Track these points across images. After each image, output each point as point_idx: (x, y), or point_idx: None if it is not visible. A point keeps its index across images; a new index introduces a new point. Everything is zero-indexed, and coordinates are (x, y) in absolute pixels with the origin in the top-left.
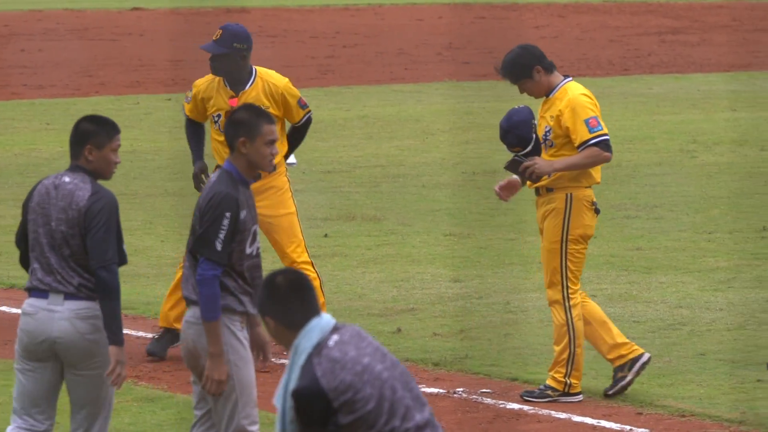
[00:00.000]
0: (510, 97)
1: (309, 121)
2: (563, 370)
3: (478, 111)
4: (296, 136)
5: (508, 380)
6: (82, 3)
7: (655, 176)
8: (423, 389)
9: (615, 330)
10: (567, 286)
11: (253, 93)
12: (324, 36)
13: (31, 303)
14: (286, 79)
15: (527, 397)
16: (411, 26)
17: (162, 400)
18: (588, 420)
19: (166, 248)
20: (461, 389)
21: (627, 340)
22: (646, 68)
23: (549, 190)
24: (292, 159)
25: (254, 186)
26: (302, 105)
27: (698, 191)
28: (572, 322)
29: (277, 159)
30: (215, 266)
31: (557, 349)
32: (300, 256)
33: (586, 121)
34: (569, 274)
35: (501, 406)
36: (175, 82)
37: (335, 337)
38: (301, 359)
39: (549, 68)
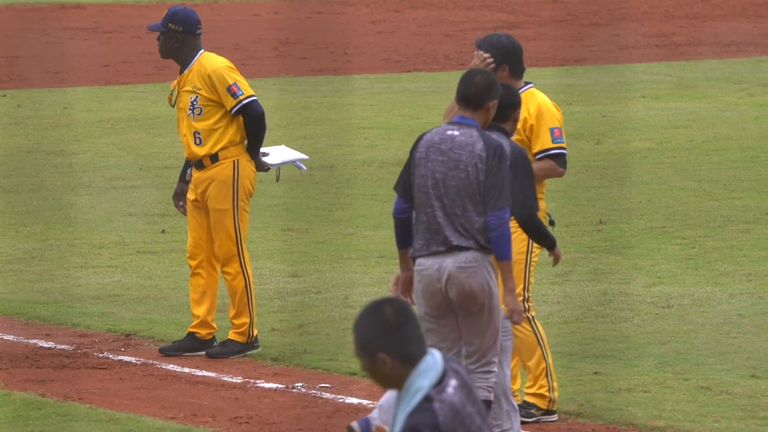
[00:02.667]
0: (348, 92)
1: (248, 111)
2: (546, 384)
3: (315, 106)
4: (246, 130)
5: (347, 375)
6: None
7: None
8: (262, 385)
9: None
10: (527, 298)
11: (189, 76)
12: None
13: None
14: (221, 65)
15: None
16: (247, 22)
17: None
18: None
19: (2, 245)
20: (300, 384)
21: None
22: None
23: None
24: (279, 158)
25: (197, 176)
26: (232, 93)
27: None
28: (539, 332)
29: (217, 148)
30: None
31: (531, 364)
32: (225, 255)
33: (552, 130)
34: (530, 287)
35: (340, 400)
36: (10, 79)
37: (453, 383)
38: (417, 398)
39: (517, 73)
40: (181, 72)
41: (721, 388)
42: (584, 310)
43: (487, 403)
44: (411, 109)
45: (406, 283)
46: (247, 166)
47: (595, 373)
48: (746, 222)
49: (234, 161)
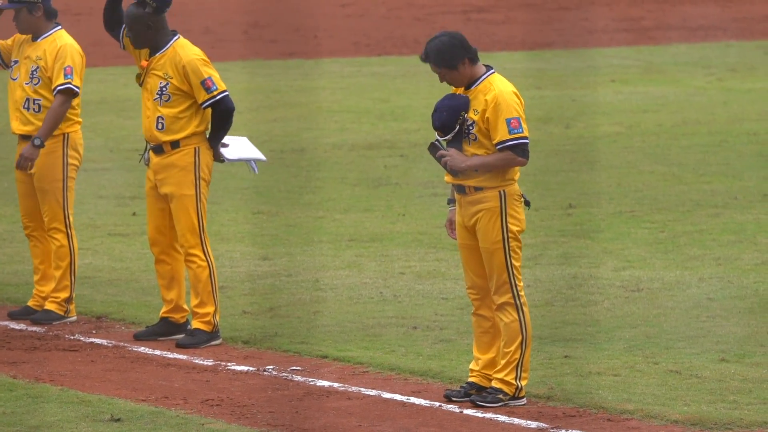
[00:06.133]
0: (318, 75)
1: (219, 106)
2: (514, 373)
3: (285, 89)
4: (213, 122)
5: (318, 357)
6: None
7: None
8: (233, 367)
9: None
10: (515, 285)
11: (162, 60)
12: None
13: None
14: (198, 57)
15: (480, 402)
16: (217, 4)
17: None
18: (397, 397)
19: None
20: (271, 367)
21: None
22: None
23: (478, 189)
24: (236, 154)
25: (156, 161)
26: (206, 87)
27: None
28: (524, 320)
29: (179, 136)
30: None
31: (508, 351)
32: (188, 243)
33: (508, 121)
34: (515, 272)
35: (311, 383)
36: None
37: None
38: None
39: (474, 59)
40: (151, 54)
41: (690, 371)
42: (554, 294)
43: None
44: (381, 92)
45: None
46: (206, 154)
47: (565, 356)
48: (715, 206)
49: (195, 148)
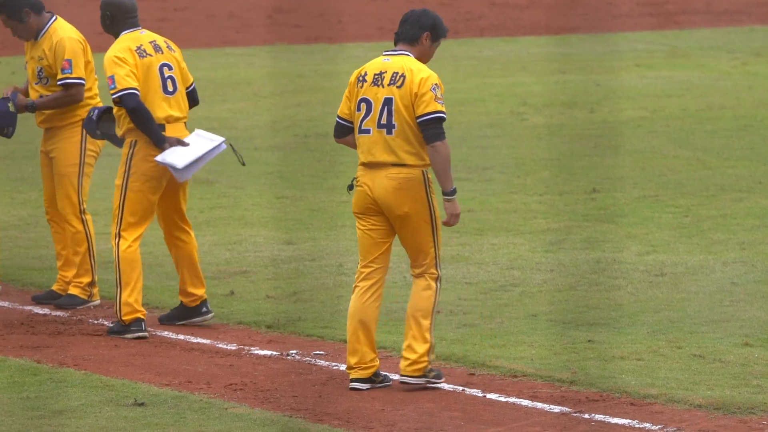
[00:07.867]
0: (342, 60)
1: (122, 105)
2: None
3: (310, 74)
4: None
5: (341, 342)
6: None
7: (486, 138)
8: (256, 352)
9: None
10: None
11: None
12: None
13: None
14: (110, 56)
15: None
16: None
17: None
18: (420, 381)
19: None
20: (294, 351)
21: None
22: (476, 31)
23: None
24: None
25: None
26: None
27: (529, 153)
28: None
29: (120, 132)
30: None
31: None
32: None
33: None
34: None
35: (334, 367)
36: (5, 46)
37: None
38: None
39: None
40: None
41: (714, 356)
42: (578, 279)
43: None
44: None
45: None
46: (143, 148)
47: (589, 341)
48: (739, 190)
49: (131, 141)
